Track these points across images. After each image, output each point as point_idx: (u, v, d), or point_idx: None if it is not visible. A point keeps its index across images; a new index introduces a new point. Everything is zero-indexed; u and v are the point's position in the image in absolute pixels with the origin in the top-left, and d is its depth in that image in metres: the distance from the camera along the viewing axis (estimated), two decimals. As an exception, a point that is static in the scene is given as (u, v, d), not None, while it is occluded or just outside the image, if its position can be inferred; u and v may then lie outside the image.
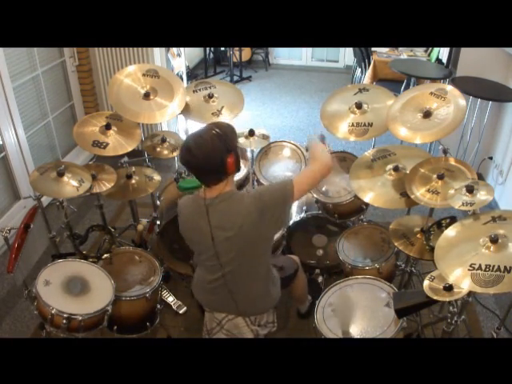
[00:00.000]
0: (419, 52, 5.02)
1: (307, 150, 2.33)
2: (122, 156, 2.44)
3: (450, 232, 1.68)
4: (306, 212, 2.60)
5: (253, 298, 1.82)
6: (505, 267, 1.44)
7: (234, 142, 1.69)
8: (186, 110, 2.49)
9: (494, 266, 1.45)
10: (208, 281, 1.81)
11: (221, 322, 1.88)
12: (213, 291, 1.82)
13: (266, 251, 1.79)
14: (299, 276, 2.18)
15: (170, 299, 2.55)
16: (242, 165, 1.79)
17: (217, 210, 1.68)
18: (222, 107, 2.48)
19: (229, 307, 1.83)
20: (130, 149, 2.36)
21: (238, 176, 2.55)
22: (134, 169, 2.55)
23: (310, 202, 2.63)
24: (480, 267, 1.47)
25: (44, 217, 2.28)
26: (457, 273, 1.50)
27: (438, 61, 4.54)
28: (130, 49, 3.66)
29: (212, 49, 6.26)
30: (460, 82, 3.35)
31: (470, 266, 1.49)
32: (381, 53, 4.89)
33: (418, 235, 2.11)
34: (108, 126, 2.36)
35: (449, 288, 1.65)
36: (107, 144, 2.32)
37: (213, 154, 1.61)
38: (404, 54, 4.95)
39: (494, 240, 1.50)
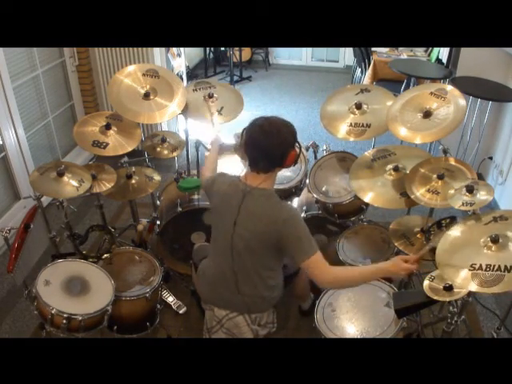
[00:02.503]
0: (419, 52, 5.02)
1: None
2: (122, 156, 2.44)
3: (452, 233, 1.68)
4: (306, 212, 2.60)
5: (254, 293, 1.83)
6: (505, 266, 1.44)
7: (297, 139, 1.74)
8: (186, 110, 2.49)
9: (494, 266, 1.45)
10: (218, 271, 1.84)
11: (221, 321, 1.88)
12: (220, 283, 1.84)
13: (272, 258, 1.80)
14: (301, 275, 2.19)
15: (170, 299, 2.55)
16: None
17: (252, 201, 1.71)
18: (222, 107, 2.48)
19: (233, 302, 1.84)
20: (130, 149, 2.35)
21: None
22: (133, 169, 2.54)
23: (310, 201, 2.63)
24: (481, 267, 1.47)
25: (44, 217, 2.28)
26: (458, 273, 1.50)
27: (438, 61, 4.53)
28: (130, 49, 3.65)
29: (212, 49, 6.26)
30: (460, 82, 3.35)
31: (471, 266, 1.49)
32: (381, 53, 4.88)
33: (418, 235, 2.11)
34: (108, 126, 2.36)
35: (449, 288, 1.65)
36: (107, 144, 2.32)
37: (283, 141, 1.66)
38: (404, 54, 4.95)
39: (494, 240, 1.50)
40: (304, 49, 6.76)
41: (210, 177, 1.93)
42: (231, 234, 1.74)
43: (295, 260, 1.68)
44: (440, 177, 1.91)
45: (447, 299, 1.65)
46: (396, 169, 2.13)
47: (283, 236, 1.67)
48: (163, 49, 3.97)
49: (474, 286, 1.45)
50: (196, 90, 2.57)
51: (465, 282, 1.47)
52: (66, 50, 3.63)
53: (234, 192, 1.75)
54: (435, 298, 1.65)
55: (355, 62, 5.64)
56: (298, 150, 1.72)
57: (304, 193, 2.63)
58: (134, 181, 2.51)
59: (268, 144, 1.65)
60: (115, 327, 2.11)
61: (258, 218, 1.70)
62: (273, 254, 1.76)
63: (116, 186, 2.38)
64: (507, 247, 1.50)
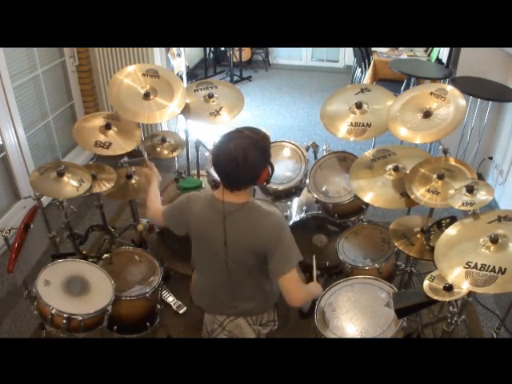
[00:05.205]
0: (419, 52, 5.02)
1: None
2: (122, 156, 2.44)
3: (453, 229, 1.68)
4: (306, 212, 2.60)
5: (254, 297, 1.83)
6: (500, 268, 1.43)
7: (270, 154, 1.64)
8: (186, 110, 2.49)
9: (489, 266, 1.45)
10: (212, 284, 1.82)
11: (222, 324, 1.88)
12: (216, 294, 1.83)
13: (265, 265, 1.74)
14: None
15: (170, 299, 2.55)
16: None
17: (236, 218, 1.64)
18: (221, 108, 2.48)
19: (231, 309, 1.84)
20: (129, 149, 2.35)
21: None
22: (134, 169, 2.54)
23: (310, 202, 2.63)
24: (476, 266, 1.47)
25: (44, 217, 2.28)
26: (453, 270, 1.50)
27: (438, 61, 4.53)
28: (130, 49, 3.66)
29: (212, 49, 6.26)
30: (460, 82, 3.35)
31: (467, 263, 1.49)
32: (381, 53, 4.89)
33: (418, 235, 2.11)
34: (108, 126, 2.36)
35: (449, 288, 1.65)
36: (108, 144, 2.32)
37: (252, 166, 1.56)
38: (404, 54, 4.95)
39: (493, 240, 1.50)
40: (304, 49, 6.76)
41: (186, 198, 1.76)
42: (224, 254, 1.68)
43: (275, 272, 1.64)
44: (440, 177, 1.91)
45: (447, 299, 1.65)
46: (396, 169, 2.13)
47: (273, 247, 1.62)
48: (163, 49, 3.97)
49: (466, 284, 1.45)
50: (197, 90, 2.57)
51: (458, 279, 1.47)
52: (66, 50, 3.63)
53: (212, 213, 1.66)
54: (435, 298, 1.65)
55: (355, 62, 5.64)
56: (270, 169, 1.64)
57: (304, 193, 2.63)
58: (133, 181, 2.51)
59: (236, 171, 1.55)
60: (115, 327, 2.11)
61: (247, 234, 1.64)
62: (264, 262, 1.69)
63: (116, 186, 2.38)
64: (506, 249, 1.49)
